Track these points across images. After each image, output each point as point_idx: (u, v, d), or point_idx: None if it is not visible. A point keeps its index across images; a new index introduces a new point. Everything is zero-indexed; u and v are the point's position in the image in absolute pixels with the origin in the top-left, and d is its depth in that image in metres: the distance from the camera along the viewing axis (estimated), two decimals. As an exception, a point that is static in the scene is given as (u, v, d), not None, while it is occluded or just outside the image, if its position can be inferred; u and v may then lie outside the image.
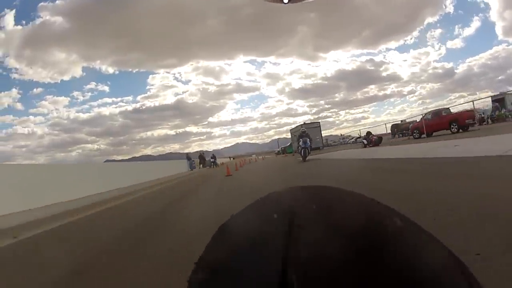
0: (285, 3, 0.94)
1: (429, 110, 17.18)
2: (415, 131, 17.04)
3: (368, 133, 18.13)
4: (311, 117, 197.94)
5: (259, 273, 0.24)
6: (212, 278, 0.27)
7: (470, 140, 7.58)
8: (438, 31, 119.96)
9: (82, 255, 2.57)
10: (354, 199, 0.31)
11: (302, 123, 26.69)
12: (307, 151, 12.55)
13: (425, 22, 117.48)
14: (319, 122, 30.42)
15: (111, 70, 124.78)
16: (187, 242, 2.47)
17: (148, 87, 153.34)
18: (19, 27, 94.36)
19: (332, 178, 5.56)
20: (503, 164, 4.00)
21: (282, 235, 0.26)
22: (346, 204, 0.31)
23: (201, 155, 30.29)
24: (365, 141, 17.21)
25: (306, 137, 12.81)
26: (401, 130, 23.78)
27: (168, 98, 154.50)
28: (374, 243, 0.25)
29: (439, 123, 15.20)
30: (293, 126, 37.17)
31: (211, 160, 29.17)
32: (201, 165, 27.84)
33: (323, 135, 31.52)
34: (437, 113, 15.78)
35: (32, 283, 2.05)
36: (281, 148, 41.87)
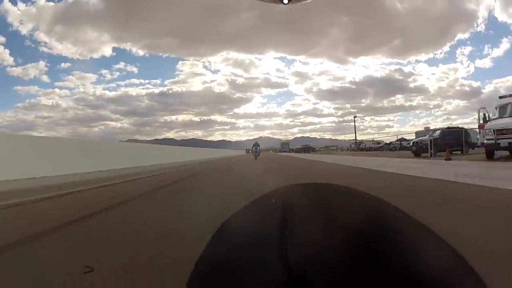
0: (285, 4, 0.97)
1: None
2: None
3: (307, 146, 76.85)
4: (336, 119, 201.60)
5: (259, 272, 0.24)
6: (212, 277, 0.27)
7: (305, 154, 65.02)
8: (468, 49, 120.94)
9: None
10: (355, 196, 0.32)
11: (284, 141, 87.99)
12: (256, 153, 23.71)
13: (456, 38, 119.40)
14: (288, 142, 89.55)
15: (141, 52, 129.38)
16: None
17: (176, 72, 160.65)
18: (51, 3, 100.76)
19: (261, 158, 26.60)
20: (290, 159, 21.70)
21: (282, 233, 0.26)
22: (346, 201, 0.31)
23: (248, 148, 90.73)
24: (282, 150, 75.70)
25: (257, 146, 24.28)
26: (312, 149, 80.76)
27: (195, 85, 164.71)
28: (376, 240, 0.25)
29: (301, 149, 72.59)
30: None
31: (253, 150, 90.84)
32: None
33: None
34: (302, 146, 73.71)
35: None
36: (279, 149, 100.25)
